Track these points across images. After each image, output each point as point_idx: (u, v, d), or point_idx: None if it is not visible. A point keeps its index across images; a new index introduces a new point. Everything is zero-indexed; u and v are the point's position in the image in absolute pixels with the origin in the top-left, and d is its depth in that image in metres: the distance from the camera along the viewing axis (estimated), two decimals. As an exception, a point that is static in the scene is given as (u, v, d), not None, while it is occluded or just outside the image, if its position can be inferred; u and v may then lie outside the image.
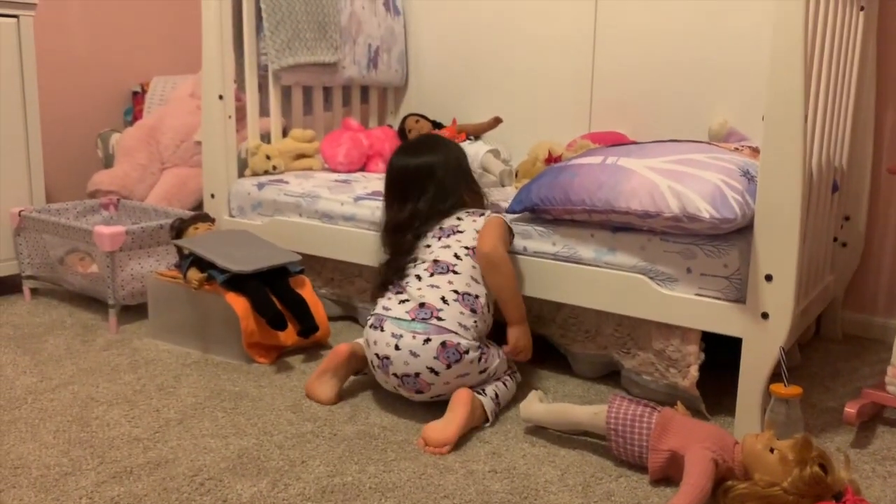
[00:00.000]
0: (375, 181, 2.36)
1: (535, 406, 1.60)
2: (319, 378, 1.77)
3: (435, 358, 1.62)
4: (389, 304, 1.71)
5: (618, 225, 1.75)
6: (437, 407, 1.65)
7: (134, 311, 2.28)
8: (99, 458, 1.48)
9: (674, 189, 1.60)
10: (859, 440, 1.63)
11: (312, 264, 2.28)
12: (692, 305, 1.65)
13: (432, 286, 1.70)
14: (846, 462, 1.29)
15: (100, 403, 1.73)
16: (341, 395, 1.77)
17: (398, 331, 1.65)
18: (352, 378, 1.83)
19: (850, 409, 1.61)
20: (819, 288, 1.97)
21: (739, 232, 1.62)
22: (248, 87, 2.51)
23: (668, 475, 1.42)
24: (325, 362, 1.78)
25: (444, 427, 1.56)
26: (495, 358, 1.72)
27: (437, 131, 2.63)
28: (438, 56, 3.00)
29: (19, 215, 2.42)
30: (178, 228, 2.23)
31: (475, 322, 1.69)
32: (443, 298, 1.67)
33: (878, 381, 1.71)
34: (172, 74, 3.25)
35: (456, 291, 1.69)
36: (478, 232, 1.78)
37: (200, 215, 2.31)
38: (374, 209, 2.11)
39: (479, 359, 1.67)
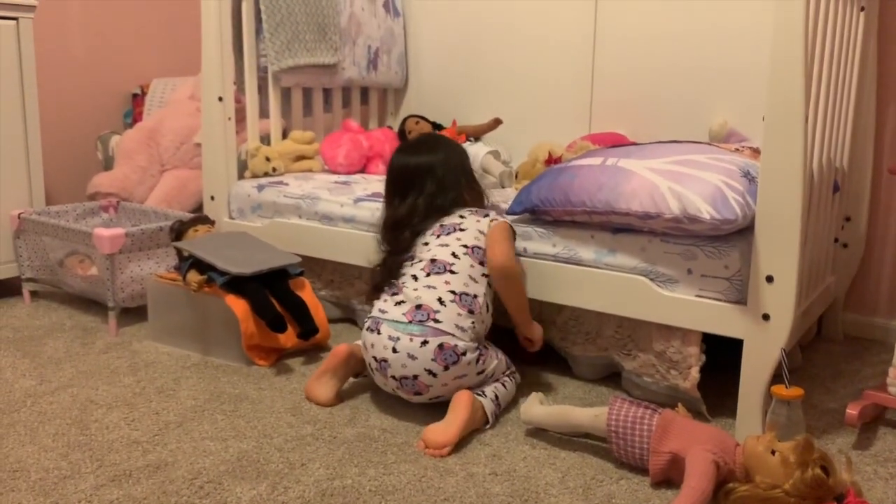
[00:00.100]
0: (375, 182, 2.36)
1: (535, 408, 1.60)
2: (319, 379, 1.76)
3: (432, 360, 1.62)
4: (385, 307, 1.70)
5: (618, 226, 1.74)
6: (436, 409, 1.65)
7: (133, 313, 2.27)
8: (98, 461, 1.48)
9: (674, 190, 1.60)
10: (861, 442, 1.63)
11: (312, 266, 2.28)
12: (693, 307, 1.65)
13: (429, 287, 1.69)
14: (848, 464, 1.29)
15: (99, 406, 1.72)
16: (341, 397, 1.77)
17: (395, 333, 1.65)
18: (351, 380, 1.83)
19: (852, 411, 1.61)
20: (820, 289, 1.97)
21: (740, 233, 1.62)
22: (247, 88, 2.51)
23: (670, 477, 1.42)
24: (325, 363, 1.78)
25: (445, 429, 1.56)
26: (493, 359, 1.72)
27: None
28: (438, 57, 3.00)
29: (19, 217, 2.42)
30: (178, 231, 2.23)
31: (473, 323, 1.68)
32: (440, 299, 1.67)
33: (880, 382, 1.70)
34: (172, 76, 3.25)
35: (453, 292, 1.69)
36: (480, 232, 1.78)
37: (200, 217, 2.31)
38: (374, 211, 2.10)
39: (477, 360, 1.67)
